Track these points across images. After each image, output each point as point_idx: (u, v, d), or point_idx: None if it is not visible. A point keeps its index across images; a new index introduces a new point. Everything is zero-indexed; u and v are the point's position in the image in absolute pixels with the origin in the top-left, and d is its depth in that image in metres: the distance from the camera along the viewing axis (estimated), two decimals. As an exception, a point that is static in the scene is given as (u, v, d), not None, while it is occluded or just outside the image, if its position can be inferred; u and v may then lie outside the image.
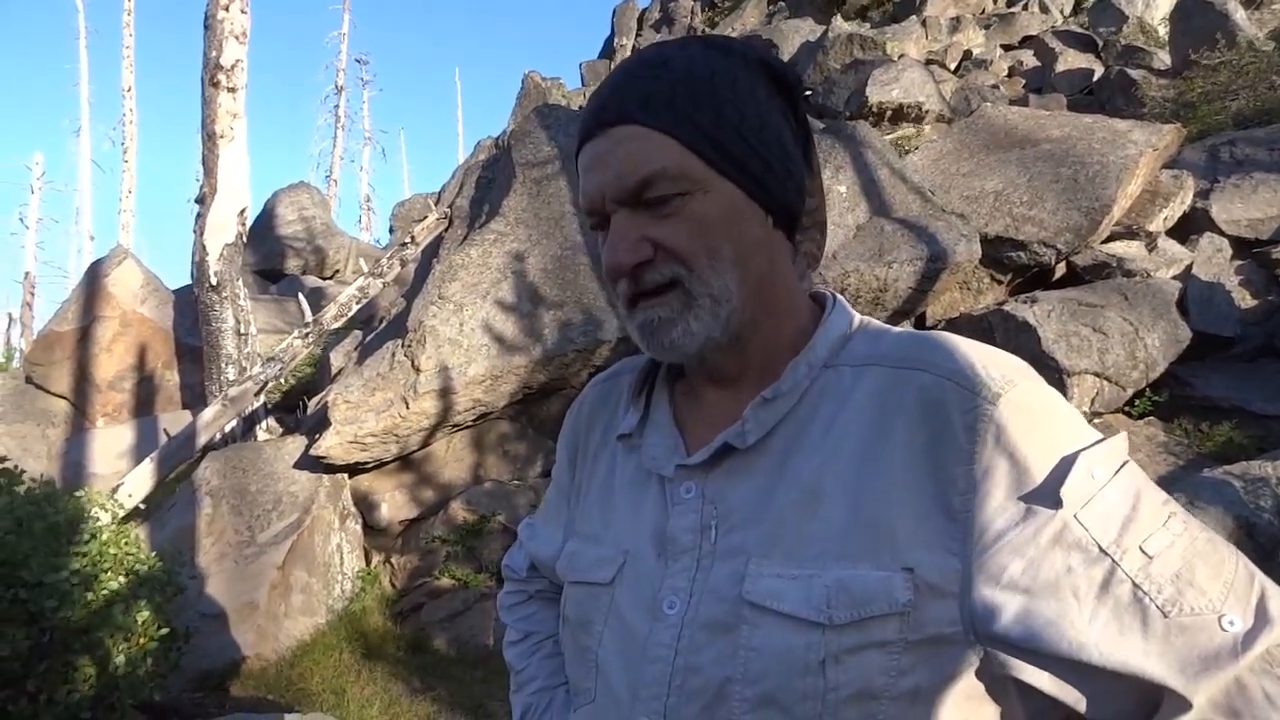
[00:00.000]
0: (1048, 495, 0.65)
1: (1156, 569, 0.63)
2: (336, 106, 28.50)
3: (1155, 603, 0.62)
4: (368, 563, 5.45)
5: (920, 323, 5.95)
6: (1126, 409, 5.13)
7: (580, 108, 9.49)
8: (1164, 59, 10.40)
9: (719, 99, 0.74)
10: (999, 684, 0.69)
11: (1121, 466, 0.67)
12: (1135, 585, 0.63)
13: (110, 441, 7.77)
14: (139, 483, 5.90)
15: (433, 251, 6.96)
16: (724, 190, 0.74)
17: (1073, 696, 0.65)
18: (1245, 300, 5.69)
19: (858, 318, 0.83)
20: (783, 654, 0.68)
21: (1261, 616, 0.62)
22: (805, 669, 0.67)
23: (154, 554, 3.62)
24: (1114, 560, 0.64)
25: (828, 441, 0.73)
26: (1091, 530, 0.64)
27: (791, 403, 0.76)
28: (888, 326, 0.82)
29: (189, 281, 7.95)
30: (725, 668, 0.70)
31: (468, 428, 5.76)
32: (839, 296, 0.85)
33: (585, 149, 0.77)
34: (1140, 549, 0.64)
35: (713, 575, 0.73)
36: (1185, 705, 0.61)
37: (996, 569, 0.65)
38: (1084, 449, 0.67)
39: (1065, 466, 0.65)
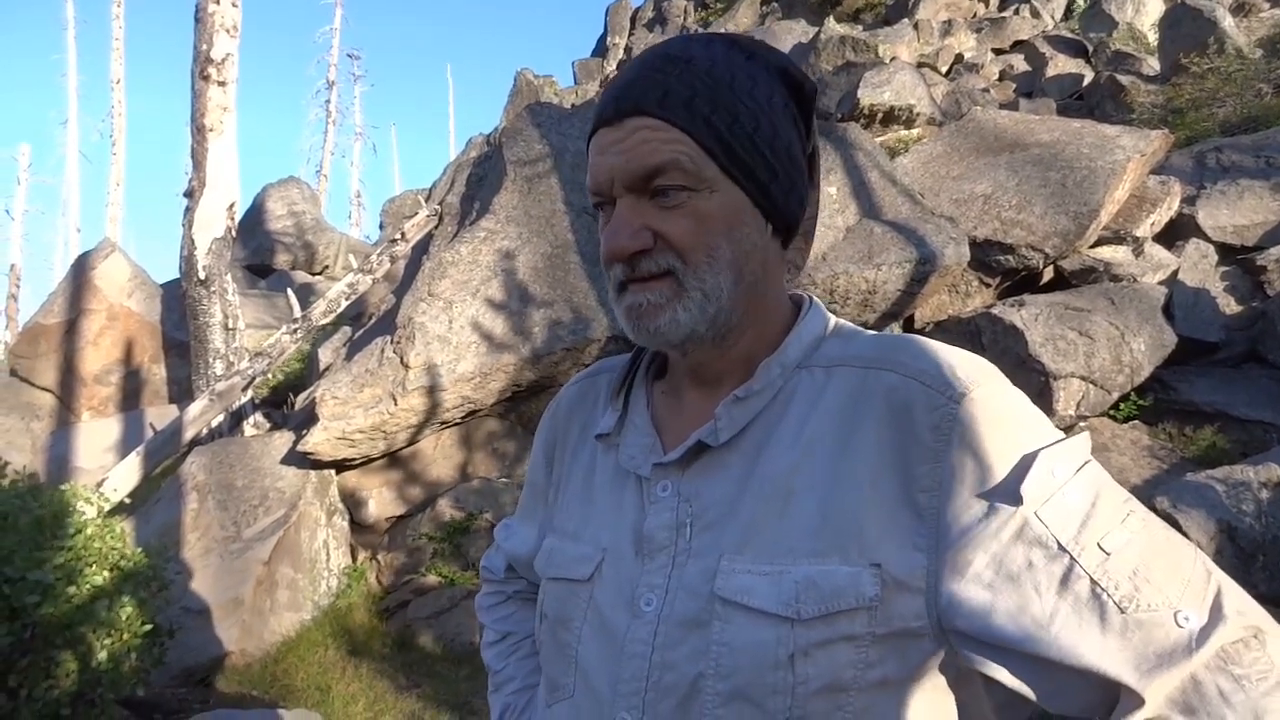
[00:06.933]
0: (1009, 492, 0.66)
1: (1114, 566, 0.64)
2: (328, 101, 28.41)
3: (1113, 599, 0.63)
4: (354, 559, 5.44)
5: (909, 325, 5.97)
6: (1112, 412, 5.16)
7: (573, 106, 9.48)
8: (1153, 65, 10.47)
9: (737, 103, 0.75)
10: (964, 676, 0.70)
11: (1083, 465, 0.68)
12: (1093, 581, 0.64)
13: (95, 435, 7.72)
14: (124, 477, 5.87)
15: (423, 248, 6.93)
16: (731, 193, 0.75)
17: (1031, 690, 0.66)
18: (1230, 306, 5.73)
19: (833, 320, 0.84)
20: (752, 649, 0.69)
21: (1216, 613, 0.63)
22: (775, 663, 0.68)
23: (139, 549, 3.61)
24: (1073, 557, 0.64)
25: (799, 441, 0.74)
26: (1051, 527, 0.65)
27: (764, 402, 0.78)
28: (861, 329, 0.83)
29: (177, 275, 7.91)
30: (698, 663, 0.71)
31: (456, 425, 5.75)
32: (815, 299, 0.86)
33: (599, 134, 0.77)
34: (1099, 546, 0.65)
35: (687, 572, 0.74)
36: (1139, 701, 0.61)
37: (961, 564, 0.67)
38: (1045, 447, 0.68)
39: (1026, 464, 0.66)
